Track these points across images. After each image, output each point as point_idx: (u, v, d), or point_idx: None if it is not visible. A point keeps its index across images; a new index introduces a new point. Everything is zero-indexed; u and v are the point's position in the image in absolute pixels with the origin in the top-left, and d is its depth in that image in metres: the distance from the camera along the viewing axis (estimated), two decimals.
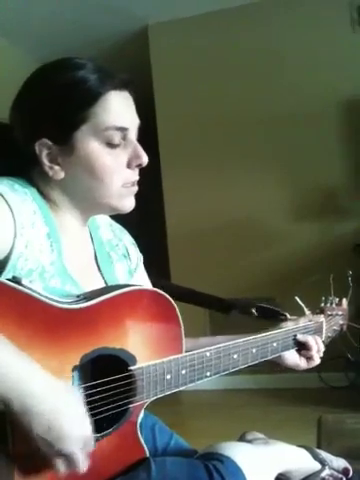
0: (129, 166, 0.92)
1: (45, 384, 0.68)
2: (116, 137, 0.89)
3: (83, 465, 0.71)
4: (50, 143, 0.87)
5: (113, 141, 0.89)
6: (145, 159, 0.93)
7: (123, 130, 0.90)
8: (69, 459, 0.70)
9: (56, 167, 0.88)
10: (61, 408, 0.68)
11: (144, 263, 1.16)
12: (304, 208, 3.34)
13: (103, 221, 1.09)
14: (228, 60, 3.47)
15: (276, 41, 3.37)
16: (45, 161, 0.88)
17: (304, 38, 3.31)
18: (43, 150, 0.87)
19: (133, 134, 0.93)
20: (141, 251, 1.15)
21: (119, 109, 0.89)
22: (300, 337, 1.12)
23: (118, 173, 0.91)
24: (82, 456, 0.71)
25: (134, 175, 0.94)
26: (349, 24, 3.25)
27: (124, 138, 0.90)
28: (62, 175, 0.89)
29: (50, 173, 0.89)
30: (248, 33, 3.43)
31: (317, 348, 1.13)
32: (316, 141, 3.30)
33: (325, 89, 3.27)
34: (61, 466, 0.70)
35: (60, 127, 0.87)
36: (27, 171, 0.92)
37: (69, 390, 0.73)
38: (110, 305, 0.81)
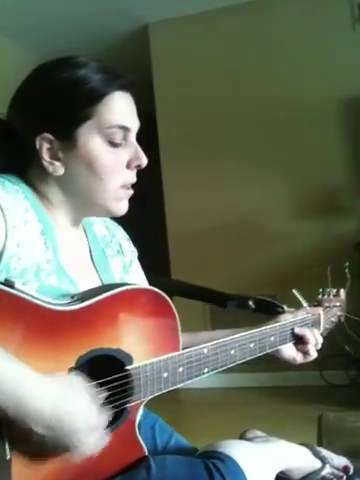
0: (128, 167, 0.92)
1: (36, 385, 0.67)
2: (118, 136, 0.89)
3: (96, 450, 0.72)
4: (52, 138, 0.86)
5: (115, 140, 0.89)
6: (145, 161, 0.93)
7: (125, 130, 0.90)
8: (80, 451, 0.70)
9: (56, 163, 0.88)
10: (58, 404, 0.68)
11: (144, 262, 1.16)
12: (305, 206, 3.33)
13: (97, 217, 1.08)
14: (229, 59, 3.47)
15: (277, 39, 3.37)
16: (45, 156, 0.87)
17: (305, 36, 3.31)
18: (44, 145, 0.87)
19: (133, 136, 0.93)
20: (141, 250, 1.15)
21: (122, 109, 0.90)
22: (298, 330, 1.12)
23: (118, 173, 0.91)
24: (93, 442, 0.71)
25: (132, 177, 0.94)
26: (350, 22, 3.24)
27: (125, 138, 0.91)
28: (62, 171, 0.88)
29: (50, 169, 0.88)
30: (249, 31, 3.43)
31: (315, 341, 1.13)
32: (317, 139, 3.29)
33: (326, 87, 3.26)
34: (76, 458, 0.71)
35: (64, 122, 0.86)
36: (21, 168, 0.91)
37: (69, 382, 0.72)
38: (105, 305, 0.80)
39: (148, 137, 0.98)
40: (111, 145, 0.89)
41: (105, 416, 0.74)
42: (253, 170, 3.41)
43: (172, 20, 3.53)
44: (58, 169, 0.88)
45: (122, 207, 0.94)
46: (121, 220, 1.12)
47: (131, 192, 0.95)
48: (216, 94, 3.48)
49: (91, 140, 0.88)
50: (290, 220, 3.36)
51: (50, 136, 0.86)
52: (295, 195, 3.35)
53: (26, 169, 0.91)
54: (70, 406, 0.69)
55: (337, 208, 3.26)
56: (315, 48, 3.29)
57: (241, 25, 3.44)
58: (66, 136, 0.87)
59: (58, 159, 0.88)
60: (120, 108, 0.89)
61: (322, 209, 3.27)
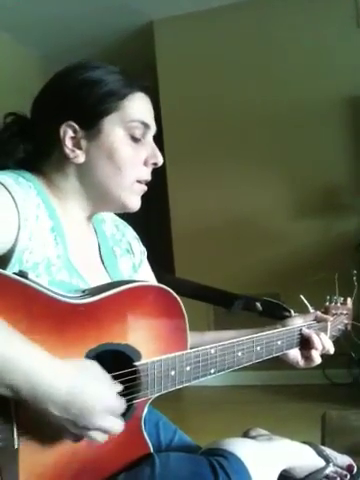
0: (145, 164, 0.96)
1: (51, 365, 0.68)
2: (138, 131, 0.94)
3: (118, 430, 0.74)
4: (76, 126, 0.90)
5: (135, 134, 0.93)
6: (161, 159, 0.98)
7: (145, 126, 0.95)
8: (103, 429, 0.71)
9: (78, 151, 0.91)
10: (74, 383, 0.69)
11: (149, 261, 1.16)
12: (308, 206, 3.33)
13: (107, 215, 1.10)
14: (233, 57, 3.47)
15: (280, 37, 3.37)
16: (68, 143, 0.90)
17: (308, 34, 3.31)
18: (68, 132, 0.90)
19: (151, 136, 0.98)
20: (146, 248, 1.15)
21: (144, 108, 0.96)
22: (305, 332, 1.12)
23: (135, 166, 0.94)
24: (112, 422, 0.72)
25: (148, 174, 0.97)
26: (354, 20, 3.23)
27: (144, 136, 0.95)
28: (82, 159, 0.91)
29: (71, 155, 0.91)
30: (254, 29, 3.43)
31: (322, 347, 1.12)
32: (320, 139, 3.30)
33: (329, 86, 3.26)
34: (97, 438, 0.72)
35: (90, 113, 0.91)
36: (38, 162, 0.93)
37: (84, 365, 0.73)
38: (115, 300, 0.81)
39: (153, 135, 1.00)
40: (132, 139, 0.93)
41: (123, 401, 0.75)
42: (257, 170, 3.41)
43: (177, 17, 3.53)
44: (79, 157, 0.91)
45: (135, 202, 0.97)
46: (126, 218, 1.12)
47: (145, 188, 0.98)
48: (220, 92, 3.48)
49: (114, 131, 0.92)
50: (292, 219, 3.36)
51: (75, 125, 0.90)
52: (297, 194, 3.36)
53: (43, 162, 0.93)
54: (88, 387, 0.70)
55: (339, 207, 3.26)
56: (317, 47, 3.29)
57: (245, 23, 3.44)
58: (91, 126, 0.91)
59: (80, 147, 0.91)
60: (142, 106, 0.95)
61: (324, 208, 3.28)
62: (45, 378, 0.67)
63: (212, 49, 3.51)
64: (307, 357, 1.13)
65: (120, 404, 0.75)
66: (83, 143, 0.91)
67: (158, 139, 1.01)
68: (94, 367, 0.74)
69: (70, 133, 0.91)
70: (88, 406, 0.69)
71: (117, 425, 0.74)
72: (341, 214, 3.24)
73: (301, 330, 1.11)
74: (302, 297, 1.23)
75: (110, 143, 0.92)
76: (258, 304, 1.33)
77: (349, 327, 1.31)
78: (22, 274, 0.72)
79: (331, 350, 1.14)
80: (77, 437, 0.72)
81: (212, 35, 3.49)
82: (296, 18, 3.32)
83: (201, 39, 3.53)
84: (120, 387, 0.77)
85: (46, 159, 0.93)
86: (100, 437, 0.73)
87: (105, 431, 0.73)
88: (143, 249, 1.14)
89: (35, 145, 0.93)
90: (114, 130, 0.92)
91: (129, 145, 0.93)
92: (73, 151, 0.91)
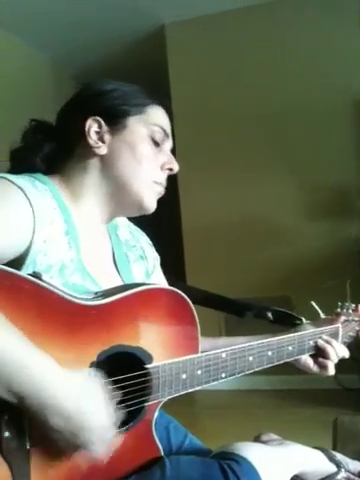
0: (162, 168, 1.00)
1: (62, 379, 0.68)
2: (159, 135, 0.98)
3: (103, 455, 0.73)
4: (102, 121, 0.95)
5: (156, 137, 0.98)
6: (177, 167, 1.02)
7: (166, 134, 1.00)
8: (90, 450, 0.71)
9: (101, 143, 0.95)
10: (78, 401, 0.69)
11: (161, 262, 1.17)
12: (320, 208, 3.32)
13: (121, 221, 1.11)
14: (244, 59, 3.47)
15: (292, 39, 3.36)
16: (93, 136, 0.95)
17: (320, 36, 3.30)
18: (93, 126, 0.95)
19: (169, 147, 1.03)
20: (156, 250, 1.16)
21: (165, 119, 1.02)
22: (320, 343, 1.11)
23: (153, 165, 0.98)
24: (102, 446, 0.71)
25: (164, 178, 1.01)
26: (358, 20, 3.21)
27: (163, 143, 1.00)
28: (105, 151, 0.95)
29: (94, 145, 0.94)
30: (265, 32, 3.43)
31: (335, 358, 1.11)
32: (330, 139, 3.29)
33: (338, 86, 3.26)
34: (83, 456, 0.71)
35: (117, 110, 0.96)
36: (60, 160, 0.97)
37: (89, 382, 0.73)
38: (128, 303, 0.81)
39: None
40: (152, 141, 0.98)
41: (118, 417, 0.75)
42: (268, 172, 3.41)
43: (188, 21, 3.54)
44: (102, 148, 0.95)
45: (152, 200, 1.00)
46: (137, 221, 1.13)
47: (162, 191, 1.01)
48: (232, 95, 3.48)
49: (138, 129, 0.97)
50: (304, 221, 3.35)
51: (100, 120, 0.95)
52: (310, 196, 3.34)
53: (66, 159, 0.97)
54: (90, 404, 0.70)
55: (349, 208, 3.25)
56: (328, 48, 3.28)
57: (256, 26, 3.44)
58: (117, 122, 0.96)
59: (103, 141, 0.95)
60: (163, 117, 1.01)
61: (336, 210, 3.26)
62: (53, 390, 0.67)
63: (223, 52, 3.51)
64: (321, 365, 1.12)
65: (115, 421, 0.74)
66: (107, 137, 0.95)
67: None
68: (95, 381, 0.73)
69: (95, 127, 0.95)
70: (87, 423, 0.69)
71: (110, 443, 0.73)
72: (353, 216, 3.22)
73: (316, 341, 1.11)
74: (313, 303, 1.22)
75: (134, 138, 0.96)
76: (269, 314, 1.33)
77: None
78: (36, 275, 0.72)
79: (346, 355, 1.14)
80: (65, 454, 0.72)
81: (223, 38, 3.50)
82: (307, 21, 3.32)
83: (212, 42, 3.54)
84: (120, 393, 0.76)
85: (69, 155, 0.97)
86: (92, 453, 0.72)
87: (98, 448, 0.72)
88: (156, 255, 1.15)
89: (59, 142, 0.97)
90: (138, 128, 0.97)
91: (150, 145, 0.98)
92: (96, 142, 0.95)
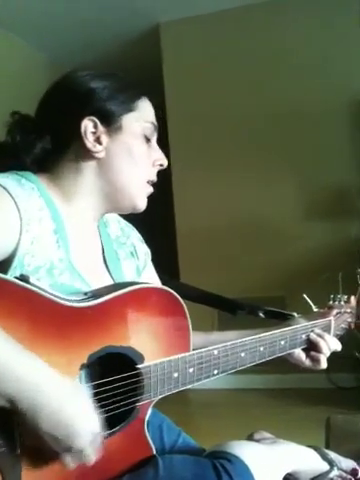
0: (153, 165, 1.00)
1: (52, 382, 0.68)
2: (149, 132, 0.98)
3: (92, 460, 0.72)
4: (97, 122, 0.93)
5: (147, 134, 0.98)
6: (166, 162, 1.02)
7: (154, 128, 1.00)
8: (78, 455, 0.70)
9: (98, 146, 0.93)
10: (69, 405, 0.69)
11: (154, 262, 1.16)
12: (315, 207, 3.32)
13: (111, 217, 1.10)
14: (239, 58, 3.47)
15: (288, 38, 3.37)
16: (89, 137, 0.93)
17: (317, 36, 3.30)
18: (89, 127, 0.93)
19: (155, 138, 1.02)
20: (150, 249, 1.15)
21: (152, 113, 1.01)
22: (313, 337, 1.11)
23: (147, 164, 0.99)
24: (91, 451, 0.71)
25: (154, 175, 1.01)
26: (358, 20, 3.22)
27: (152, 137, 1.00)
28: (103, 155, 0.94)
29: (93, 149, 0.92)
30: (261, 32, 3.42)
31: (328, 350, 1.11)
32: (328, 140, 3.29)
33: (337, 87, 3.26)
34: (70, 462, 0.71)
35: (112, 109, 0.94)
36: (51, 160, 0.94)
37: (76, 387, 0.73)
38: (118, 303, 0.81)
39: (158, 136, 1.02)
40: (145, 139, 0.98)
41: (101, 425, 0.74)
42: (263, 171, 3.41)
43: (183, 20, 3.54)
44: (100, 152, 0.94)
45: (144, 201, 1.00)
46: (131, 220, 1.12)
47: (152, 190, 1.01)
48: (227, 93, 3.48)
49: (133, 128, 0.96)
50: (298, 221, 3.35)
51: (96, 120, 0.93)
52: (304, 196, 3.35)
53: (58, 159, 0.94)
54: (79, 408, 0.70)
55: (347, 209, 3.25)
56: (327, 48, 3.28)
57: (252, 26, 3.44)
58: (112, 122, 0.94)
59: (100, 143, 0.93)
60: (151, 109, 1.01)
61: (331, 210, 3.26)
62: (48, 397, 0.67)
63: (218, 51, 3.51)
64: (313, 358, 1.12)
65: (100, 436, 0.73)
66: (104, 139, 0.94)
67: (164, 141, 1.02)
68: (81, 390, 0.74)
69: (91, 128, 0.93)
70: (75, 429, 0.69)
71: (93, 456, 0.73)
72: (353, 216, 3.23)
73: (308, 335, 1.11)
74: (305, 296, 1.22)
75: (130, 139, 0.95)
76: (261, 314, 1.33)
77: (353, 325, 1.30)
78: (23, 278, 0.72)
79: (338, 348, 1.14)
80: (54, 458, 0.72)
81: (218, 38, 3.49)
82: (305, 20, 3.32)
83: (207, 42, 3.53)
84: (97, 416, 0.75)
85: (61, 156, 0.95)
86: (72, 463, 0.71)
87: (82, 457, 0.71)
88: (147, 250, 1.14)
89: (51, 141, 0.94)
90: (133, 127, 0.96)
91: (143, 143, 0.97)
92: (94, 145, 0.93)
